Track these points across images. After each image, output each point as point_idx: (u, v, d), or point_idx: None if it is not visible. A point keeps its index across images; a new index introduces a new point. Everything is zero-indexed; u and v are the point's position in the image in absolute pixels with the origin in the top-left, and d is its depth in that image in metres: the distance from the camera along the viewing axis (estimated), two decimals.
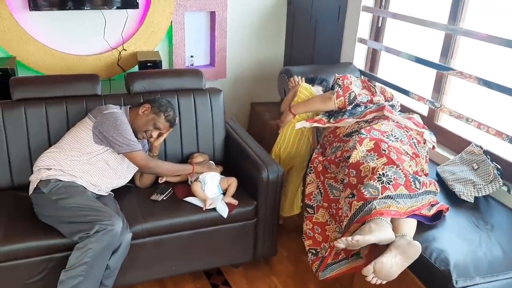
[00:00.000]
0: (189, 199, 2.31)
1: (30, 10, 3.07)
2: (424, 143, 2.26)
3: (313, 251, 2.20)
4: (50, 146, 2.30)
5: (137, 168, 2.31)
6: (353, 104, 2.41)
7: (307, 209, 2.27)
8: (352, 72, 3.04)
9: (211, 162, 2.58)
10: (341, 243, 1.78)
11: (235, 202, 2.31)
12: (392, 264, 1.72)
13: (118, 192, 2.32)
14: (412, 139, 2.19)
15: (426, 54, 2.74)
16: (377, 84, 3.04)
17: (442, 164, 2.45)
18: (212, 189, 2.33)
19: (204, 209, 2.25)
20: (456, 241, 1.90)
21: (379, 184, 1.85)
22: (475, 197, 2.20)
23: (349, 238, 1.75)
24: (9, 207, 2.18)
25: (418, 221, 1.92)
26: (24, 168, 2.32)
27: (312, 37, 3.60)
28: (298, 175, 2.64)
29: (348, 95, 2.40)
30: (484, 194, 2.19)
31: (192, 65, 3.76)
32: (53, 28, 3.26)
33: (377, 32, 3.17)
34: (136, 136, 2.27)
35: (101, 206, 2.06)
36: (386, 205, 1.81)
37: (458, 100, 2.63)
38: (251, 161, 2.41)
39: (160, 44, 3.55)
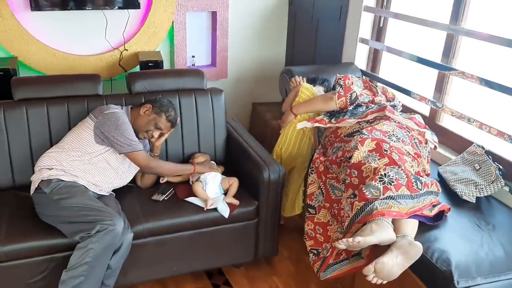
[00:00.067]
0: (190, 199, 2.31)
1: (31, 10, 3.07)
2: (426, 143, 2.26)
3: (315, 252, 2.20)
4: (51, 146, 2.31)
5: (138, 168, 2.31)
6: (354, 104, 2.41)
7: (309, 209, 2.27)
8: (353, 72, 3.04)
9: (212, 162, 2.58)
10: (342, 244, 1.78)
11: (236, 202, 2.31)
12: (393, 264, 1.72)
13: (120, 192, 2.33)
14: (414, 139, 2.18)
15: (427, 54, 2.73)
16: (378, 84, 3.03)
17: (443, 164, 2.45)
18: (214, 189, 2.33)
19: (205, 209, 2.25)
20: (457, 241, 1.89)
21: (380, 185, 1.85)
22: (477, 198, 2.19)
23: (350, 239, 1.74)
24: (10, 207, 2.18)
25: (419, 221, 1.92)
26: (25, 168, 2.33)
27: (314, 37, 3.60)
28: (300, 175, 2.63)
29: (349, 95, 2.40)
30: (485, 195, 2.19)
31: (193, 65, 3.76)
32: (55, 28, 3.26)
33: (378, 32, 3.16)
34: (137, 136, 2.27)
35: (102, 206, 2.06)
36: (387, 206, 1.80)
37: (460, 100, 2.63)
38: (252, 161, 2.41)
39: (161, 44, 3.55)
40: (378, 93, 2.47)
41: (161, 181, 2.45)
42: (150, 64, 3.21)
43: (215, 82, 3.75)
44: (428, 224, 1.95)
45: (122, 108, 2.33)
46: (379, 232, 1.75)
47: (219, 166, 2.56)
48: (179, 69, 3.50)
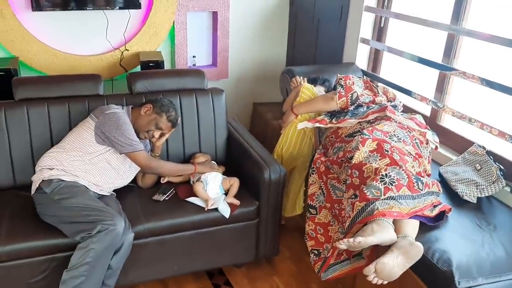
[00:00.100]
0: (191, 199, 2.31)
1: (32, 11, 3.08)
2: (427, 143, 2.26)
3: (316, 252, 2.20)
4: (52, 146, 2.31)
5: (139, 168, 2.31)
6: (355, 105, 2.41)
7: (310, 209, 2.27)
8: (354, 72, 3.04)
9: (213, 162, 2.58)
10: (342, 244, 1.78)
11: (237, 202, 2.31)
12: (394, 264, 1.72)
13: (120, 192, 2.33)
14: (415, 139, 2.18)
15: (428, 54, 2.73)
16: (379, 84, 3.03)
17: (444, 164, 2.45)
18: (214, 189, 2.33)
19: (206, 209, 2.25)
20: (458, 241, 1.89)
21: (381, 185, 1.85)
22: (478, 198, 2.19)
23: (351, 240, 1.74)
24: (11, 207, 2.18)
25: (420, 221, 1.91)
26: (26, 168, 2.33)
27: (314, 37, 3.60)
28: (300, 175, 2.63)
29: (350, 95, 2.40)
30: (487, 195, 2.19)
31: (194, 65, 3.76)
32: (56, 29, 3.27)
33: (379, 32, 3.16)
34: (138, 136, 2.27)
35: (103, 206, 2.06)
36: (388, 206, 1.80)
37: (461, 101, 2.63)
38: (253, 161, 2.41)
39: (162, 44, 3.55)
40: (379, 93, 2.47)
41: (162, 181, 2.45)
42: (151, 64, 3.21)
43: (216, 82, 3.75)
44: (429, 225, 1.95)
45: (123, 108, 2.33)
46: (380, 233, 1.75)
47: (219, 166, 2.56)
48: (180, 69, 3.50)
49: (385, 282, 1.75)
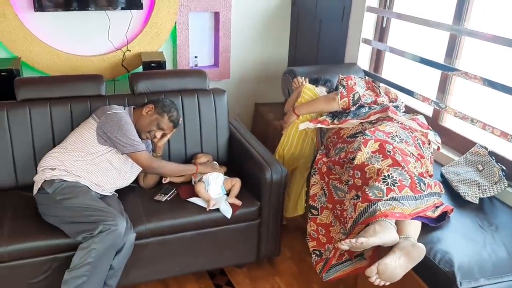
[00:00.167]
0: (193, 199, 2.31)
1: (35, 11, 3.08)
2: (429, 144, 2.25)
3: (317, 253, 2.20)
4: (54, 146, 2.31)
5: (141, 169, 2.31)
6: (357, 105, 2.40)
7: (311, 210, 2.27)
8: (356, 72, 3.04)
9: (214, 162, 2.58)
10: (345, 245, 1.77)
11: (238, 202, 2.31)
12: (396, 265, 1.72)
13: (122, 192, 2.33)
14: (417, 140, 2.18)
15: (430, 54, 2.73)
16: (381, 85, 3.03)
17: (446, 165, 2.44)
18: (216, 190, 2.33)
19: (207, 210, 2.25)
20: (460, 242, 1.89)
21: (384, 186, 1.85)
22: (480, 198, 2.19)
23: (353, 240, 1.74)
24: (13, 207, 2.18)
25: (422, 222, 1.91)
26: (28, 168, 2.33)
27: (316, 37, 3.60)
28: (302, 175, 2.63)
29: (352, 96, 2.40)
30: (489, 195, 2.18)
31: (196, 65, 3.76)
32: (58, 29, 3.27)
33: (381, 33, 3.16)
34: (139, 136, 2.27)
35: (105, 206, 2.06)
36: (390, 207, 1.80)
37: (463, 101, 2.62)
38: (254, 161, 2.41)
39: (164, 44, 3.56)
40: (380, 93, 2.47)
41: (163, 182, 2.45)
42: (152, 64, 3.22)
43: (217, 82, 3.76)
44: (431, 225, 1.95)
45: (124, 109, 2.33)
46: (382, 233, 1.74)
47: (221, 166, 2.56)
48: (181, 70, 3.50)
49: (387, 283, 1.75)
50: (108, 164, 2.22)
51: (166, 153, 2.57)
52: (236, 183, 2.38)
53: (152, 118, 2.31)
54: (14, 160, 2.32)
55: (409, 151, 2.05)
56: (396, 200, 1.82)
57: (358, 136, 2.16)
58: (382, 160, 1.96)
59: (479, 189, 2.19)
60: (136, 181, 2.42)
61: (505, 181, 2.16)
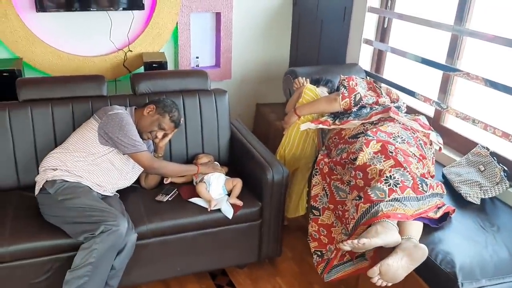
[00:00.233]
0: (194, 200, 2.31)
1: (36, 12, 3.09)
2: (431, 144, 2.25)
3: (319, 253, 2.19)
4: (56, 146, 2.31)
5: (142, 169, 2.32)
6: (358, 106, 2.40)
7: (313, 210, 2.27)
8: (357, 73, 3.04)
9: (216, 163, 2.58)
10: (347, 246, 1.77)
11: (240, 203, 2.31)
12: (398, 266, 1.71)
13: (124, 193, 2.33)
14: (419, 140, 2.18)
15: (432, 55, 2.72)
16: (382, 85, 3.03)
17: (448, 165, 2.44)
18: (217, 190, 2.33)
19: (209, 210, 2.25)
20: (462, 243, 1.88)
21: (386, 187, 1.84)
22: (481, 199, 2.18)
23: (355, 241, 1.74)
24: (15, 207, 2.19)
25: (423, 223, 1.91)
26: (30, 168, 2.34)
27: (318, 38, 3.60)
28: (303, 176, 2.63)
29: (353, 96, 2.40)
30: (490, 196, 2.18)
31: (197, 66, 3.77)
32: (60, 29, 3.28)
33: (382, 33, 3.16)
34: (141, 136, 2.27)
35: (106, 206, 2.06)
36: (393, 208, 1.80)
37: (465, 101, 2.62)
38: (256, 162, 2.41)
39: (165, 45, 3.56)
40: (382, 94, 2.47)
41: (165, 182, 2.45)
42: (154, 65, 3.22)
43: (219, 83, 3.76)
44: (432, 226, 1.95)
45: (126, 109, 2.33)
46: (384, 234, 1.74)
47: (222, 166, 2.56)
48: (183, 70, 3.51)
49: (389, 284, 1.75)
50: (110, 165, 2.23)
51: (168, 153, 2.57)
52: (238, 183, 2.38)
53: (154, 118, 2.31)
54: (16, 161, 2.33)
55: (411, 151, 2.05)
56: (398, 201, 1.82)
57: (359, 137, 2.16)
58: (384, 161, 1.96)
59: (480, 190, 2.19)
60: (138, 181, 2.42)
61: (507, 181, 2.16)
